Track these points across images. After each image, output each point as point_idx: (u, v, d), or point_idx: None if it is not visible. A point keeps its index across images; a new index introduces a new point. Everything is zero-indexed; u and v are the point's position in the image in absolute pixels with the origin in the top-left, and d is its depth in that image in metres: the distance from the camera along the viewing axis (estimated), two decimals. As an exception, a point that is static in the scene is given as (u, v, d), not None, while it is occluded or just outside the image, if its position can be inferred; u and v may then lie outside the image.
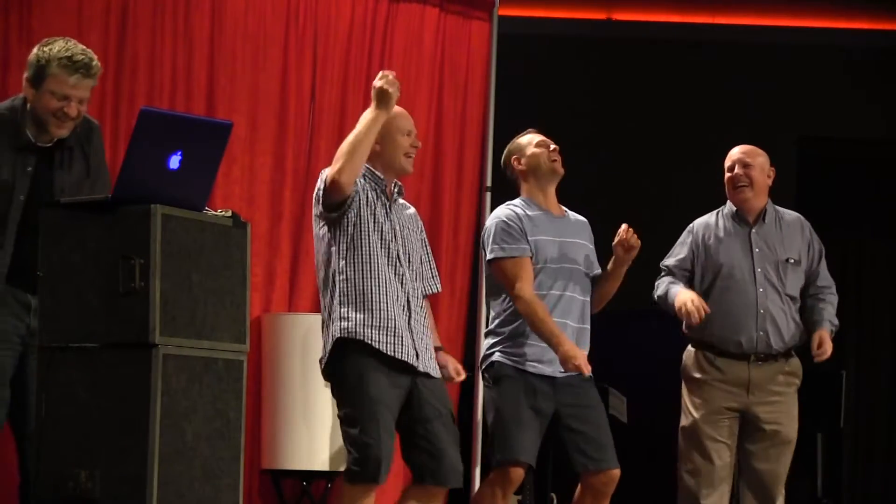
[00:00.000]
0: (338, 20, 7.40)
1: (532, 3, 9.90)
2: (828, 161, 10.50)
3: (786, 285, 6.26)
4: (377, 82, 5.19)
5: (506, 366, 5.76)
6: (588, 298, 5.89)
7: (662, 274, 6.39)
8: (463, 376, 5.55)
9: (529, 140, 5.96)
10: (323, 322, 5.28)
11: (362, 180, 5.32)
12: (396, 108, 5.37)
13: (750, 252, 6.28)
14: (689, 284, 6.31)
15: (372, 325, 5.17)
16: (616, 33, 10.19)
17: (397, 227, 5.35)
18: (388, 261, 5.26)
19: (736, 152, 6.38)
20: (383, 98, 5.17)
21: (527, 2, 9.82)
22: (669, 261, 6.40)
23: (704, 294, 6.27)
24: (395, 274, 5.27)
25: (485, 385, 5.89)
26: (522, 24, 9.44)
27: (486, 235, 5.85)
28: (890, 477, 10.50)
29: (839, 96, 10.19)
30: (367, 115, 5.19)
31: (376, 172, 5.37)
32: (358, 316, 5.17)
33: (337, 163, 5.13)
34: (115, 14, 6.72)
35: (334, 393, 5.24)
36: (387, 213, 5.33)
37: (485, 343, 5.91)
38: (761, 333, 6.20)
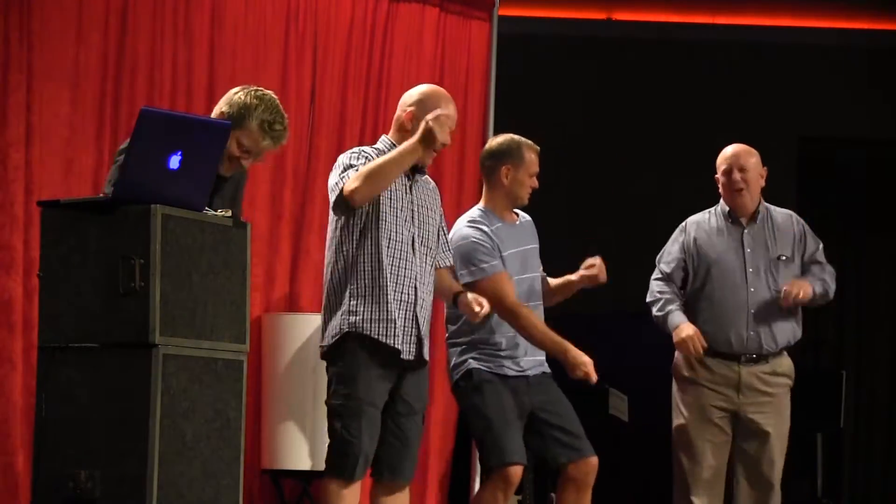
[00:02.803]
0: (338, 20, 7.40)
1: (532, 3, 9.89)
2: (828, 161, 10.50)
3: (778, 283, 6.24)
4: (430, 121, 5.10)
5: (484, 372, 5.78)
6: (541, 303, 5.91)
7: (658, 277, 6.34)
8: (486, 307, 5.39)
9: (529, 163, 5.89)
10: (327, 305, 5.26)
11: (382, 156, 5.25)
12: (447, 98, 5.32)
13: (742, 251, 6.26)
14: (684, 284, 6.31)
15: (378, 319, 5.17)
16: (616, 33, 10.19)
17: (415, 208, 5.31)
18: (402, 246, 5.24)
19: (730, 154, 6.32)
20: (429, 138, 5.10)
21: (527, 2, 9.82)
22: (664, 265, 6.35)
23: (696, 292, 6.27)
24: (406, 261, 5.24)
25: (460, 393, 5.86)
26: (522, 24, 9.44)
27: (457, 258, 5.73)
28: (890, 477, 10.50)
29: (839, 96, 10.19)
30: (407, 145, 5.13)
31: None
32: (366, 310, 5.17)
33: (357, 181, 5.08)
34: (115, 14, 6.72)
35: (329, 377, 5.24)
36: (406, 192, 5.29)
37: (452, 350, 5.86)
38: (752, 333, 6.19)
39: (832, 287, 6.32)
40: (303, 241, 7.26)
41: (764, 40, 10.16)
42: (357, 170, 5.14)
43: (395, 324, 5.19)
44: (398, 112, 5.37)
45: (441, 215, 5.49)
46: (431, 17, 7.68)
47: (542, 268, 5.99)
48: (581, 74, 10.05)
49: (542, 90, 9.76)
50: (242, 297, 4.71)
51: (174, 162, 4.51)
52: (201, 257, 4.59)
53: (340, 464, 5.13)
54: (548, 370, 5.90)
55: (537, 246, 5.98)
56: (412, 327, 5.25)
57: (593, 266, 5.86)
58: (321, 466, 6.92)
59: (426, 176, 5.44)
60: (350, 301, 5.19)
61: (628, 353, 8.32)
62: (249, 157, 5.02)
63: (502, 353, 5.78)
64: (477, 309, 5.35)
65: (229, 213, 4.76)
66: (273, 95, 5.11)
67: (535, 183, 5.90)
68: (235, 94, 5.03)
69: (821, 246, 6.39)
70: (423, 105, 5.31)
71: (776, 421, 6.23)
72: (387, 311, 5.18)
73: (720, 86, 10.15)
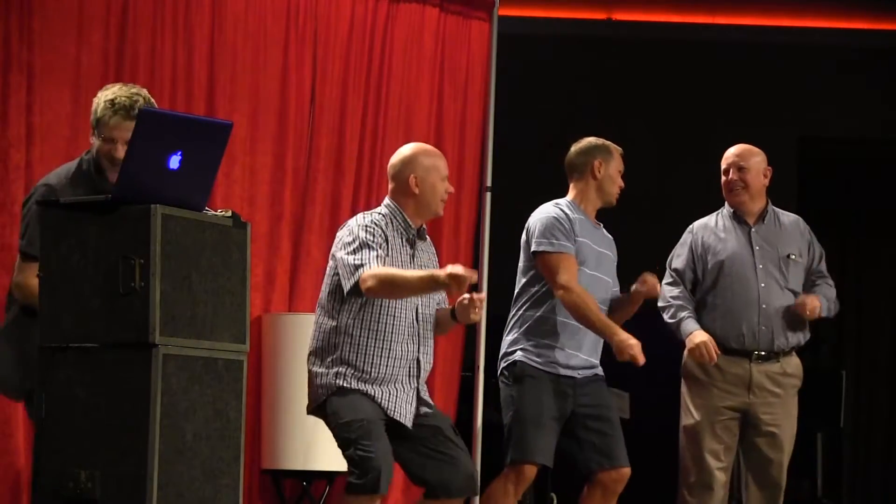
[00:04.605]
0: (338, 20, 7.40)
1: (532, 3, 9.90)
2: (828, 161, 10.50)
3: (788, 280, 6.27)
4: (458, 272, 4.97)
5: (528, 366, 5.79)
6: (608, 308, 5.92)
7: (669, 282, 6.34)
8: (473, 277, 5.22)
9: (617, 160, 5.95)
10: (312, 373, 5.27)
11: (390, 227, 5.27)
12: (436, 152, 5.39)
13: (751, 249, 6.28)
14: (694, 286, 6.31)
15: (371, 383, 5.20)
16: (616, 33, 10.19)
17: None
18: (406, 318, 5.24)
19: (730, 155, 6.36)
20: (452, 283, 5.01)
21: (527, 2, 9.82)
22: (674, 267, 6.37)
23: (706, 292, 6.28)
24: (408, 336, 5.26)
25: (503, 383, 5.89)
26: (522, 24, 9.44)
27: (532, 229, 5.84)
28: (890, 477, 10.50)
29: (839, 96, 10.19)
30: (431, 280, 5.05)
31: (407, 219, 5.31)
32: (357, 375, 5.19)
33: (376, 283, 5.06)
34: (115, 14, 6.72)
35: (331, 428, 5.24)
36: (409, 263, 5.30)
37: (506, 339, 5.91)
38: (763, 328, 6.20)
39: (835, 307, 6.40)
40: (303, 241, 7.26)
41: (764, 40, 10.17)
42: (375, 252, 5.13)
43: (388, 393, 5.21)
44: (397, 176, 5.34)
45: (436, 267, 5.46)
46: (431, 17, 7.68)
47: (618, 286, 6.01)
48: (581, 74, 10.06)
49: (542, 90, 9.76)
50: (242, 297, 4.71)
51: (174, 162, 4.51)
52: (201, 257, 4.59)
53: (365, 481, 5.07)
54: (601, 373, 5.92)
55: (615, 258, 6.00)
56: (413, 399, 5.27)
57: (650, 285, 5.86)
58: (321, 467, 6.96)
59: (427, 240, 5.45)
60: (340, 366, 5.21)
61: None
62: (115, 143, 4.96)
63: (556, 344, 5.78)
64: (469, 304, 5.23)
65: (229, 213, 4.76)
66: (125, 85, 5.08)
67: (621, 182, 5.95)
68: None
69: (824, 256, 6.41)
70: (421, 165, 5.32)
71: (784, 422, 6.24)
72: (382, 382, 5.20)
73: (720, 86, 10.15)
